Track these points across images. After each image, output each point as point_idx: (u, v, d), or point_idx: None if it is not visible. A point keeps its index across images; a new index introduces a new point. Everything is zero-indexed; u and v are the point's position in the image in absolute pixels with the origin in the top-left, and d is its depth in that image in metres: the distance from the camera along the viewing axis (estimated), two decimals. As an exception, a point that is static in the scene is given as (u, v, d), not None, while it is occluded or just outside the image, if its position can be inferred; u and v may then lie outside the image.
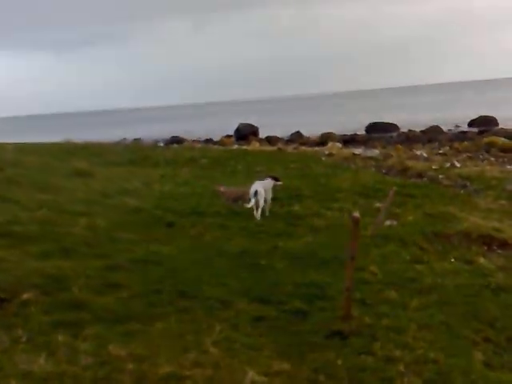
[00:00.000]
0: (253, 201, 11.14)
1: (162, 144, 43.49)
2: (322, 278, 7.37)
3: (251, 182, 11.77)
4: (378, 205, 12.65)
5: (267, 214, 11.69)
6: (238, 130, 47.36)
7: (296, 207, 12.58)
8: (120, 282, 6.49)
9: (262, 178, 12.46)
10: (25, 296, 5.91)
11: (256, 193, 11.20)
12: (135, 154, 30.41)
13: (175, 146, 38.65)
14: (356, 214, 6.05)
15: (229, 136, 47.33)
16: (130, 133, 61.95)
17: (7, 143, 39.73)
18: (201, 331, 5.44)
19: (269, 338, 5.52)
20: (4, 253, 7.93)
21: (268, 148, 32.99)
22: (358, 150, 30.57)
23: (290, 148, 33.12)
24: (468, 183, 17.07)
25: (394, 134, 44.36)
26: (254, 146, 35.14)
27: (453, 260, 8.89)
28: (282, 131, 47.37)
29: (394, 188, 11.73)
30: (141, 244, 9.01)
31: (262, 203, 11.29)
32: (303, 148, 33.33)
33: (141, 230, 10.35)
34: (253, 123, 49.70)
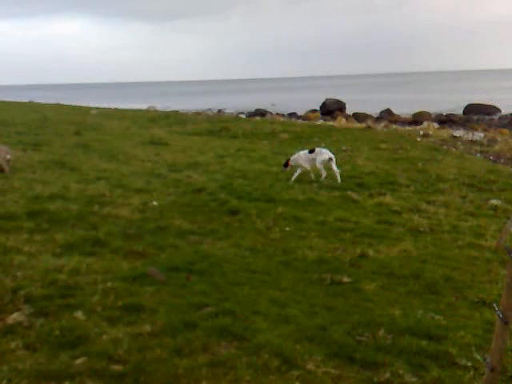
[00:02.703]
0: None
1: (244, 116, 41.85)
2: (434, 318, 4.95)
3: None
4: (494, 202, 10.15)
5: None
6: (324, 105, 44.90)
7: (388, 198, 10.30)
8: (143, 303, 4.67)
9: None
10: (12, 317, 4.26)
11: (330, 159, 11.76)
12: (215, 124, 29.08)
13: (257, 118, 36.85)
14: None
15: (314, 111, 44.91)
16: (216, 103, 60.91)
17: (93, 107, 39.90)
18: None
19: None
20: (22, 241, 6.41)
21: (355, 125, 30.39)
22: (458, 132, 27.33)
23: (379, 126, 30.33)
24: None
25: (496, 117, 40.13)
26: (341, 122, 32.63)
27: None
28: (371, 108, 44.22)
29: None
30: (190, 238, 7.22)
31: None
32: (394, 126, 30.39)
33: (198, 216, 8.58)
34: (340, 98, 46.92)
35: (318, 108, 45.67)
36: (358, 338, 4.43)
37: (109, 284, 5.10)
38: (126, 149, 17.80)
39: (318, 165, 11.95)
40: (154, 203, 9.43)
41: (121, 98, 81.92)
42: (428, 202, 10.13)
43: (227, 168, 14.31)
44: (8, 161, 11.76)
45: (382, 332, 4.47)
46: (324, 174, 11.89)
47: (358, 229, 8.24)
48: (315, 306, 5.22)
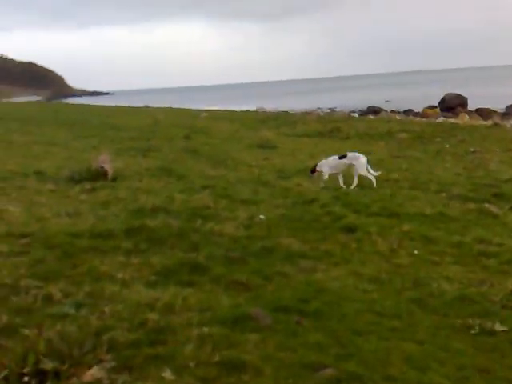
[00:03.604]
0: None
1: (356, 115, 40.23)
2: None
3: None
4: None
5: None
6: (443, 101, 42.00)
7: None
8: (245, 359, 3.49)
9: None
10: (89, 373, 3.52)
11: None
12: (325, 125, 27.99)
13: (370, 117, 35.13)
14: None
15: (433, 107, 42.18)
16: (325, 102, 59.47)
17: (203, 110, 40.38)
18: None
19: None
20: (117, 265, 5.76)
21: (480, 122, 27.85)
22: None
23: (508, 123, 27.52)
24: None
25: None
26: (463, 119, 30.13)
27: None
28: (495, 103, 40.56)
29: None
30: (301, 263, 6.21)
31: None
32: (526, 123, 27.45)
33: (309, 233, 7.58)
34: (460, 93, 43.63)
35: (436, 104, 42.86)
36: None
37: (205, 329, 4.23)
38: (233, 153, 17.30)
39: (362, 171, 10.84)
40: (261, 217, 8.57)
41: (231, 99, 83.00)
42: None
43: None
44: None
45: None
46: (373, 180, 10.70)
47: (504, 253, 6.78)
48: (464, 368, 4.02)
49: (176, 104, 49.92)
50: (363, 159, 10.94)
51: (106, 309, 4.57)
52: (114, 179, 11.02)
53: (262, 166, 14.88)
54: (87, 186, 10.23)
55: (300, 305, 4.89)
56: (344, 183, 11.22)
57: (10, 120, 23.59)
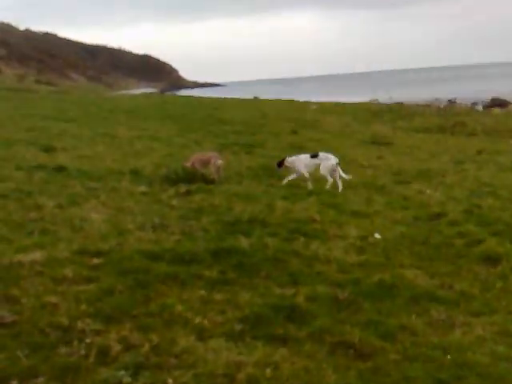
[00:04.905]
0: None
1: (480, 107, 36.79)
2: None
3: None
4: None
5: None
6: None
7: None
8: None
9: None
10: None
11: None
12: (447, 118, 25.58)
13: (497, 110, 31.81)
14: None
15: None
16: (443, 93, 55.41)
17: (313, 102, 38.94)
18: None
19: None
20: (195, 303, 4.64)
21: None
22: None
23: None
24: None
25: None
26: None
27: None
28: None
29: None
30: (432, 313, 4.74)
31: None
32: None
33: (438, 263, 6.08)
34: None
35: None
36: None
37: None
38: (343, 150, 15.85)
39: (324, 172, 10.30)
40: (376, 236, 7.15)
41: (342, 89, 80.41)
42: None
43: (469, 179, 11.35)
44: (219, 168, 10.60)
45: None
46: (330, 180, 10.20)
47: None
48: None
49: (285, 95, 48.80)
50: (332, 161, 10.35)
51: (170, 380, 3.45)
52: (212, 181, 10.10)
53: (375, 166, 13.36)
54: (182, 188, 9.37)
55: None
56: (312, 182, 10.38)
57: (120, 112, 23.66)
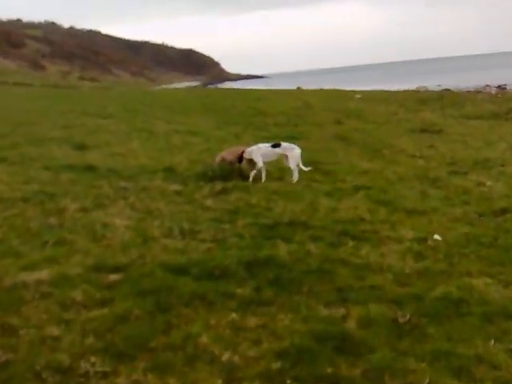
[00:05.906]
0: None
1: (536, 91, 34.66)
2: None
3: None
4: None
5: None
6: None
7: None
8: None
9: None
10: None
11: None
12: (500, 105, 24.00)
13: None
14: None
15: None
16: (493, 79, 52.91)
17: (357, 91, 37.61)
18: None
19: None
20: (234, 330, 3.87)
21: None
22: None
23: None
24: None
25: None
26: None
27: None
28: None
29: None
30: (509, 335, 3.86)
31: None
32: None
33: (509, 267, 5.15)
34: None
35: None
36: None
37: None
38: (391, 140, 14.84)
39: (292, 163, 9.48)
40: (436, 237, 6.23)
41: (388, 78, 78.13)
42: None
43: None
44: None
45: None
46: (296, 176, 9.40)
47: None
48: None
49: (329, 85, 47.47)
50: (298, 151, 9.67)
51: None
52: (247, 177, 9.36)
53: (427, 156, 12.29)
54: (218, 186, 8.65)
55: None
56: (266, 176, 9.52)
57: (159, 107, 23.21)
